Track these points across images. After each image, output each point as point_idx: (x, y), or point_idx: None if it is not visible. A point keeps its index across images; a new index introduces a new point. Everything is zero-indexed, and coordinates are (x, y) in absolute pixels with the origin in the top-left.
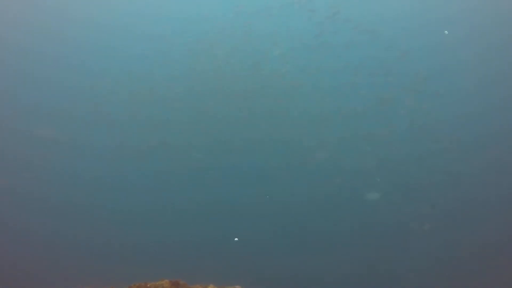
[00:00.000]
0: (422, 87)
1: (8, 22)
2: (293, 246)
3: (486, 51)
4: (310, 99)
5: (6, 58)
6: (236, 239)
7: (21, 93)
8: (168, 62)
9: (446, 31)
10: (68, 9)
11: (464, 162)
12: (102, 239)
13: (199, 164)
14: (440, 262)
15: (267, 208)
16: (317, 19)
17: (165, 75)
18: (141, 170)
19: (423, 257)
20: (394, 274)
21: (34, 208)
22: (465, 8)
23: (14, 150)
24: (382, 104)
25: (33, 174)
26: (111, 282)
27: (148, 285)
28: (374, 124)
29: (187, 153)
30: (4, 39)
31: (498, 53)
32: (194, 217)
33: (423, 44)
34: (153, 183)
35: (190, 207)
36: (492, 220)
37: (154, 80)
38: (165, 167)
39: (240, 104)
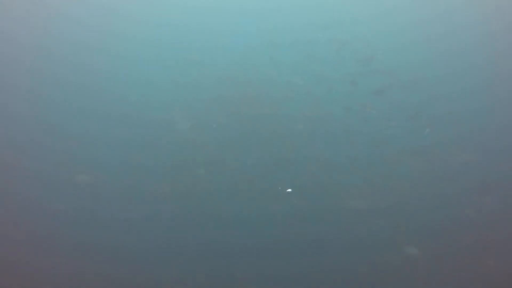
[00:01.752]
0: (451, 131)
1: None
2: None
3: None
4: (337, 144)
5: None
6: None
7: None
8: (187, 105)
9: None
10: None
11: (482, 204)
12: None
13: (215, 210)
14: None
15: (289, 253)
16: (348, 62)
17: (182, 118)
18: (153, 214)
19: None
20: None
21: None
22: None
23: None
24: (412, 151)
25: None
26: None
27: None
28: (405, 171)
29: (202, 199)
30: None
31: None
32: (211, 261)
33: (453, 90)
34: (165, 226)
35: (206, 251)
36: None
37: (167, 127)
38: (178, 211)
39: (257, 149)
